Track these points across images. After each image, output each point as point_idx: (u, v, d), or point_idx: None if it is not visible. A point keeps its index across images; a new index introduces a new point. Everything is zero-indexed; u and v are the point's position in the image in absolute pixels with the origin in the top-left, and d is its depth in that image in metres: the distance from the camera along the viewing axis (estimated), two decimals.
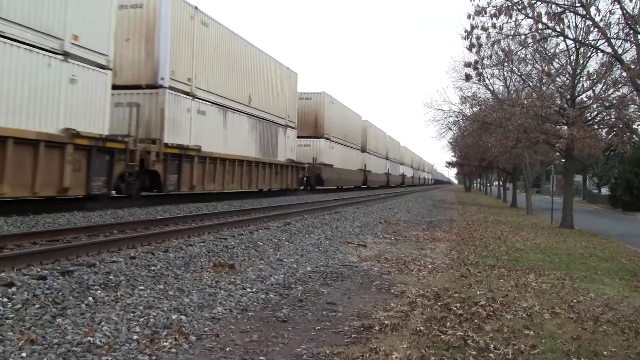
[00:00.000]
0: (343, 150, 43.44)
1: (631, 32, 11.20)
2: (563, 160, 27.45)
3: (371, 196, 35.44)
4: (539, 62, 21.95)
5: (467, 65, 11.41)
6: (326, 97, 38.53)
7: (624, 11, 10.35)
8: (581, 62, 21.07)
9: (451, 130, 42.80)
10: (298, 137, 33.59)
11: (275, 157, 28.06)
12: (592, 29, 12.54)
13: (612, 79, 17.91)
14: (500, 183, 59.50)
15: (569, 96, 21.37)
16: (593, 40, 16.16)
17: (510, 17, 10.06)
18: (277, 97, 28.57)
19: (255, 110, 25.61)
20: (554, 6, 10.58)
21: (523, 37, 12.70)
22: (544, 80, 21.82)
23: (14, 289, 5.60)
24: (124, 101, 17.37)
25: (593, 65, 24.88)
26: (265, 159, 26.47)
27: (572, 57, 20.87)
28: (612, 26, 12.64)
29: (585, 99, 22.62)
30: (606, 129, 24.48)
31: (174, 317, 5.56)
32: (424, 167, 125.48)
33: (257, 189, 26.49)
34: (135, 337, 4.88)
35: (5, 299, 5.29)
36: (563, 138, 21.46)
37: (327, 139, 38.62)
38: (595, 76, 17.87)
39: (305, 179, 34.76)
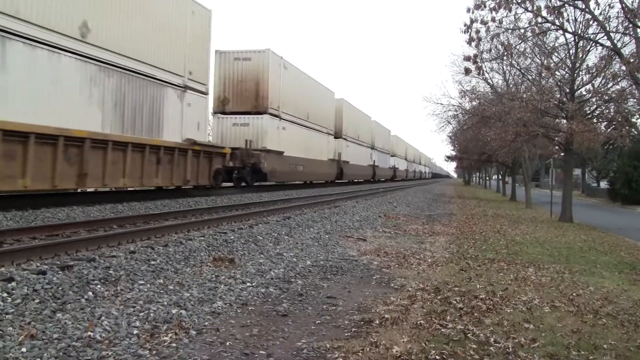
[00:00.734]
0: (302, 133, 32.74)
1: (630, 25, 11.18)
2: (562, 154, 27.47)
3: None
4: (538, 56, 21.93)
5: (467, 59, 11.41)
6: (273, 58, 27.43)
7: (623, 5, 10.34)
8: (580, 55, 21.06)
9: (450, 124, 42.72)
10: (232, 113, 26.67)
11: (158, 135, 17.89)
12: (591, 22, 12.56)
13: (611, 73, 17.86)
14: (500, 177, 59.58)
15: (568, 90, 21.35)
16: (592, 33, 16.16)
17: (510, 10, 10.07)
18: (163, 38, 17.99)
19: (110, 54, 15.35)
20: (553, 0, 10.56)
21: (522, 30, 12.70)
22: (543, 74, 21.81)
23: (13, 283, 5.60)
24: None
25: (592, 59, 24.90)
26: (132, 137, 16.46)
27: (571, 51, 20.87)
28: (611, 20, 12.62)
29: (584, 93, 22.58)
30: (605, 123, 24.48)
31: (174, 311, 5.56)
32: (421, 160, 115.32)
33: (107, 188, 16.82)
34: (135, 331, 4.88)
35: (5, 294, 5.29)
36: (562, 132, 21.45)
37: (273, 115, 27.67)
38: (594, 70, 17.80)
39: (235, 171, 25.64)
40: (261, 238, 10.70)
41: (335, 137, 40.74)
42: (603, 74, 18.50)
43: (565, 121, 21.77)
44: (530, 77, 24.19)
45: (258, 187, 27.73)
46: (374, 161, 55.33)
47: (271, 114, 27.39)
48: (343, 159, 41.98)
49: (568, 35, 18.87)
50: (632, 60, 11.09)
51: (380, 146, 59.28)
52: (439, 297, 6.93)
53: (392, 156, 69.31)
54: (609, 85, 20.08)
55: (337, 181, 42.14)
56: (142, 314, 5.37)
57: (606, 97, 20.52)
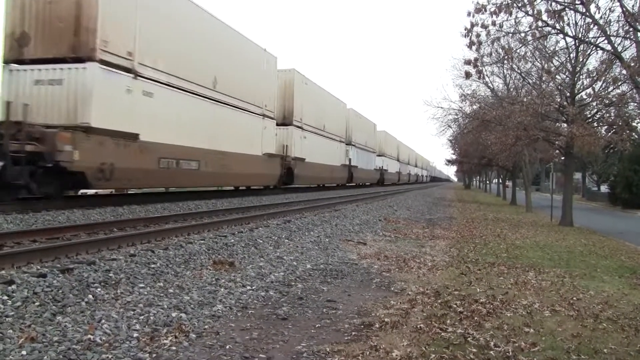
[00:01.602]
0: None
1: (631, 29, 11.19)
2: (562, 158, 27.45)
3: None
4: (538, 60, 21.91)
5: (467, 62, 11.40)
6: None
7: (624, 9, 10.34)
8: (581, 59, 21.05)
9: (451, 127, 42.76)
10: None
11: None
12: (592, 26, 12.54)
13: (611, 77, 17.84)
14: (500, 181, 59.56)
15: (568, 94, 21.35)
16: (593, 37, 16.11)
17: (510, 14, 10.05)
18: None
19: None
20: (554, 4, 10.56)
21: (523, 34, 12.70)
22: (543, 78, 21.81)
23: (14, 286, 5.60)
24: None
25: (593, 62, 24.79)
26: None
27: (571, 55, 20.87)
28: (612, 24, 12.62)
29: (585, 97, 22.58)
30: (606, 127, 24.46)
31: (174, 314, 5.56)
32: (417, 162, 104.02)
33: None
34: (135, 334, 4.88)
35: (5, 297, 5.29)
36: (563, 136, 21.44)
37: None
38: (595, 74, 17.81)
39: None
40: (261, 241, 10.70)
41: (286, 125, 36.45)
42: (603, 77, 18.48)
43: (565, 125, 21.76)
44: (530, 81, 24.21)
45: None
46: (351, 161, 45.23)
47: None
48: (295, 155, 33.85)
49: (568, 39, 18.86)
50: (632, 64, 11.08)
51: (360, 142, 48.73)
52: (439, 301, 6.92)
53: (379, 156, 58.89)
54: (609, 89, 20.07)
55: (283, 186, 40.36)
56: (142, 317, 5.37)
57: (607, 101, 20.52)
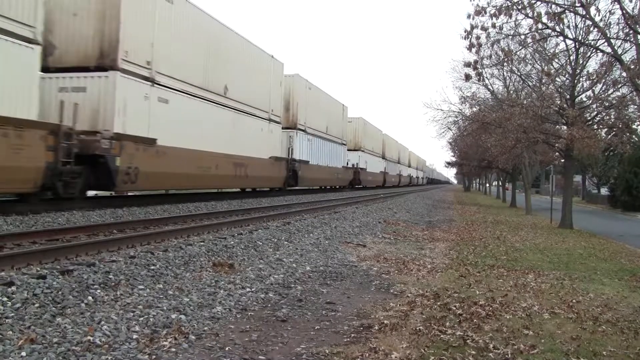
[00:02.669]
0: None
1: (631, 32, 11.20)
2: (562, 161, 27.49)
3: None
4: (538, 62, 21.95)
5: (467, 65, 11.43)
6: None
7: (624, 11, 10.36)
8: (581, 62, 21.08)
9: (450, 130, 42.75)
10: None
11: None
12: (592, 29, 12.56)
13: (611, 79, 17.91)
14: (500, 183, 59.57)
15: (568, 96, 21.38)
16: (593, 40, 16.17)
17: (510, 17, 10.08)
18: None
19: None
20: (553, 6, 10.58)
21: (523, 37, 12.73)
22: (543, 80, 21.84)
23: (13, 288, 5.60)
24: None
25: (593, 65, 24.85)
26: None
27: (571, 57, 20.88)
28: (612, 26, 12.64)
29: (584, 99, 22.64)
30: (606, 129, 24.47)
31: (173, 316, 5.56)
32: (411, 162, 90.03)
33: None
34: (135, 336, 4.88)
35: (5, 298, 5.29)
36: (562, 138, 21.45)
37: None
38: (594, 76, 17.82)
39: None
40: (261, 243, 10.71)
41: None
42: (603, 80, 18.53)
43: (565, 127, 21.79)
44: (530, 84, 24.25)
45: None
46: (324, 159, 37.15)
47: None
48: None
49: (568, 42, 18.84)
50: (632, 67, 11.10)
51: (334, 134, 39.52)
52: (439, 303, 6.93)
53: (360, 151, 48.57)
54: (609, 92, 20.12)
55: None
56: (141, 318, 5.37)
57: (607, 104, 20.57)
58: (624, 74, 13.76)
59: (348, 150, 45.34)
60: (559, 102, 21.89)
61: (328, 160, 37.69)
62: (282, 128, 28.57)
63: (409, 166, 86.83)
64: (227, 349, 4.85)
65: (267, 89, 25.68)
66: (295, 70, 32.76)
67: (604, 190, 57.10)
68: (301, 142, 31.79)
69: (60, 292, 5.75)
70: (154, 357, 4.50)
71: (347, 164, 44.32)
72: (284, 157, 28.46)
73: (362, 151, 49.89)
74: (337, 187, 42.83)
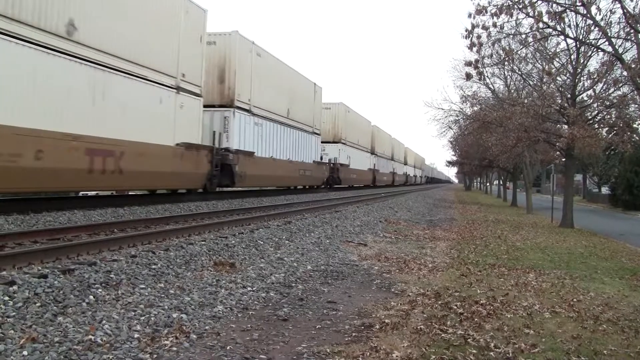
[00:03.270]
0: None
1: (632, 31, 11.20)
2: (563, 160, 27.45)
3: None
4: (539, 61, 21.96)
5: (468, 64, 11.43)
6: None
7: (625, 10, 10.35)
8: (582, 61, 21.07)
9: (451, 129, 42.68)
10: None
11: None
12: (592, 28, 12.53)
13: (612, 78, 17.89)
14: (501, 182, 59.55)
15: (569, 95, 21.37)
16: (594, 39, 16.14)
17: (511, 16, 10.06)
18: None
19: None
20: (554, 5, 10.57)
21: (524, 36, 12.75)
22: (544, 80, 21.82)
23: (15, 287, 5.61)
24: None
25: (594, 64, 24.84)
26: None
27: (572, 56, 20.88)
28: (612, 25, 12.60)
29: (585, 98, 22.62)
30: (606, 128, 24.46)
31: (174, 315, 5.57)
32: (407, 159, 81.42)
33: None
34: (136, 335, 4.89)
35: (7, 298, 5.30)
36: (563, 137, 21.45)
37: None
38: (595, 75, 17.84)
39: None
40: (262, 242, 10.71)
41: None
42: (604, 79, 18.53)
43: (566, 127, 21.79)
44: (531, 83, 24.23)
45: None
46: (284, 153, 29.12)
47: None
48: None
49: (569, 41, 18.91)
50: (633, 66, 11.09)
51: (302, 120, 31.17)
52: (440, 302, 6.93)
53: (333, 143, 39.97)
54: (610, 91, 20.11)
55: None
56: (143, 317, 5.38)
57: (607, 103, 20.55)
58: (625, 73, 13.73)
59: (325, 142, 37.67)
60: (560, 101, 21.90)
61: (291, 152, 28.83)
62: (212, 106, 21.16)
63: (405, 164, 79.35)
64: (228, 348, 4.86)
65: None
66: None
67: (604, 189, 57.05)
68: (242, 125, 22.64)
69: (61, 291, 5.76)
70: (155, 356, 4.51)
71: (322, 158, 36.14)
72: (206, 144, 19.96)
73: (344, 144, 41.47)
74: (306, 187, 34.09)
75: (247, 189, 26.17)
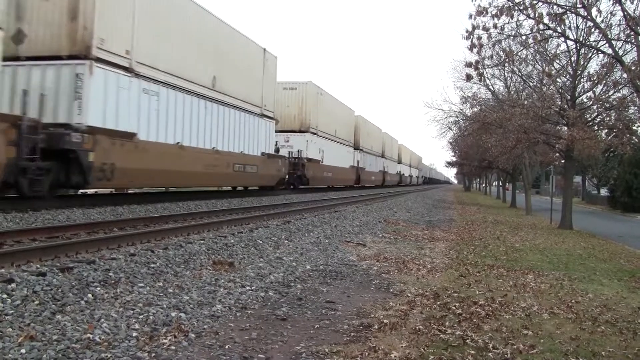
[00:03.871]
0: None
1: (632, 33, 11.20)
2: (563, 161, 27.48)
3: None
4: (539, 63, 21.94)
5: (468, 65, 11.44)
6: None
7: (625, 12, 10.35)
8: (582, 63, 21.09)
9: (451, 130, 42.68)
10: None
11: None
12: (593, 30, 12.59)
13: (612, 80, 17.90)
14: (500, 183, 59.55)
15: (569, 97, 21.37)
16: (594, 41, 16.20)
17: (512, 17, 10.07)
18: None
19: None
20: (555, 7, 10.57)
21: (524, 37, 12.75)
22: (544, 81, 21.83)
23: (13, 285, 5.61)
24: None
25: (594, 66, 24.90)
26: None
27: (572, 58, 20.88)
28: (613, 27, 12.64)
29: (585, 100, 22.61)
30: (606, 130, 24.50)
31: (173, 314, 5.56)
32: (402, 157, 75.49)
33: None
34: (134, 334, 4.89)
35: (5, 295, 5.30)
36: (563, 139, 21.45)
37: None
38: (595, 77, 17.83)
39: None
40: (261, 242, 10.71)
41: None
42: (604, 81, 18.55)
43: (566, 128, 21.80)
44: (531, 84, 24.23)
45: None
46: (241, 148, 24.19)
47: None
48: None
49: (570, 43, 18.90)
50: (633, 68, 11.09)
51: (263, 105, 26.01)
52: (438, 303, 6.93)
53: (299, 132, 33.32)
54: (610, 93, 20.11)
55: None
56: (141, 316, 5.37)
57: (607, 105, 20.56)
58: (625, 75, 13.74)
59: (287, 131, 31.82)
60: (559, 102, 21.91)
61: (220, 139, 20.94)
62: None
63: (400, 162, 73.17)
64: (226, 347, 4.86)
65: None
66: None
67: (603, 191, 57.10)
68: (112, 90, 14.57)
69: (60, 290, 5.76)
70: (153, 355, 4.50)
71: (279, 150, 29.29)
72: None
73: (314, 134, 33.97)
74: (246, 188, 27.40)
75: (110, 191, 18.51)
